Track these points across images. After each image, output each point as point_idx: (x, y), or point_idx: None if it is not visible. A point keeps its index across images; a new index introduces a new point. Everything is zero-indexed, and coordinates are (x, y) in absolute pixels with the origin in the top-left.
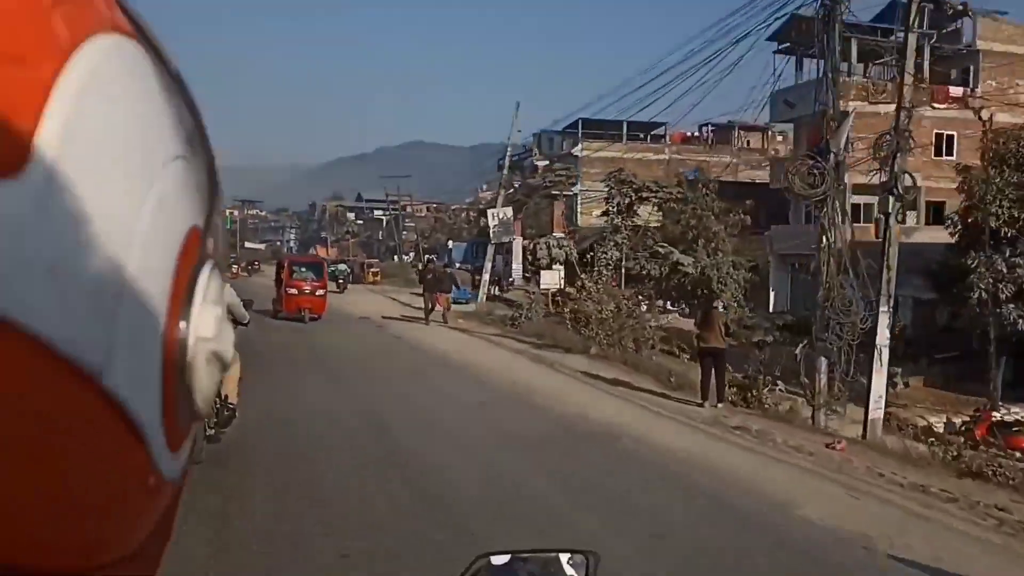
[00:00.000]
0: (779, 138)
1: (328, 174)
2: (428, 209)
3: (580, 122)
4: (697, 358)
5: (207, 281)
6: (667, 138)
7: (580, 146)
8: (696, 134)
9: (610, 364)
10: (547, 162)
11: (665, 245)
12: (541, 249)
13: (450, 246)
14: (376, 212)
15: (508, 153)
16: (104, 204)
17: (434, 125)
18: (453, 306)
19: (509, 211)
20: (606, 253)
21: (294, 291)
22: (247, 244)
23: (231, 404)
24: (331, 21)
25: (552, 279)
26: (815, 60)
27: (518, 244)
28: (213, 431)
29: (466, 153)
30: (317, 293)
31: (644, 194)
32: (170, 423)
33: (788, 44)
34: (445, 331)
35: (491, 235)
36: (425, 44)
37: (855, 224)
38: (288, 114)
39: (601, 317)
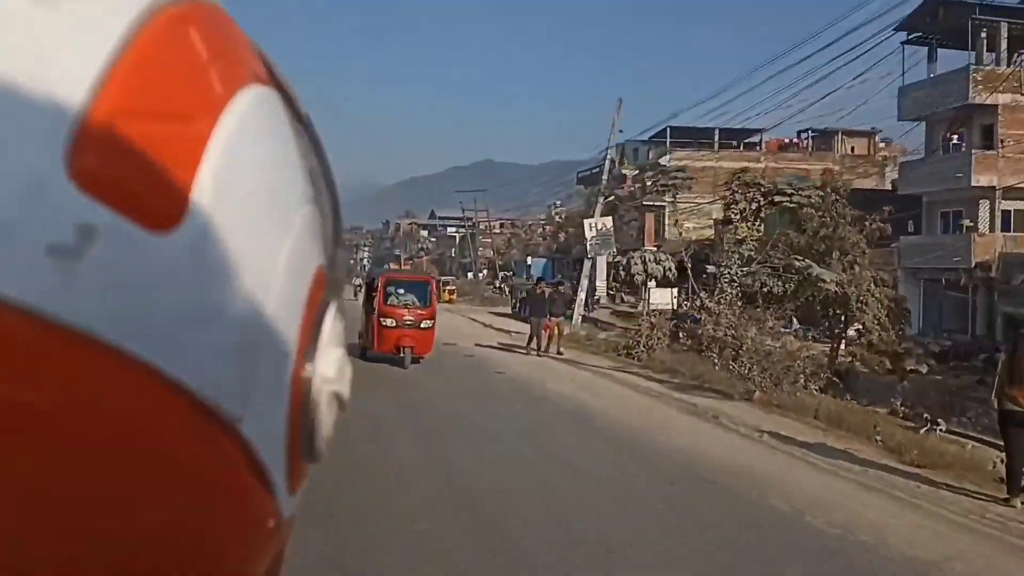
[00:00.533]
0: (882, 144)
1: (401, 193)
2: (502, 226)
3: (668, 130)
4: (998, 425)
5: (331, 322)
6: (762, 145)
7: (668, 156)
8: (795, 140)
9: (784, 414)
10: (636, 171)
11: (800, 257)
12: (636, 264)
13: (529, 262)
14: (449, 229)
15: (608, 155)
16: (248, 253)
17: (504, 144)
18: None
19: (609, 221)
20: (730, 268)
21: (391, 322)
22: None
23: None
24: (398, 43)
25: (664, 298)
26: (953, 49)
27: (602, 259)
28: None
29: (536, 171)
30: (423, 325)
31: (776, 198)
32: (292, 465)
33: (920, 33)
34: (553, 364)
35: (588, 248)
36: (494, 63)
37: (1006, 233)
38: (363, 134)
39: (752, 347)
